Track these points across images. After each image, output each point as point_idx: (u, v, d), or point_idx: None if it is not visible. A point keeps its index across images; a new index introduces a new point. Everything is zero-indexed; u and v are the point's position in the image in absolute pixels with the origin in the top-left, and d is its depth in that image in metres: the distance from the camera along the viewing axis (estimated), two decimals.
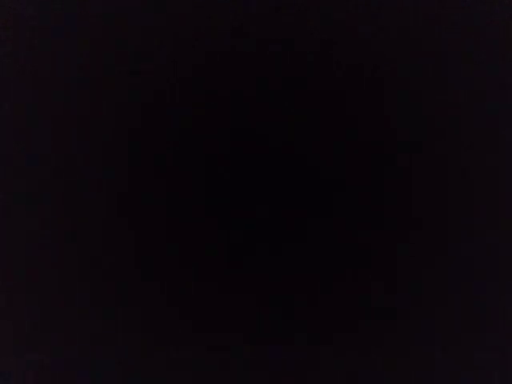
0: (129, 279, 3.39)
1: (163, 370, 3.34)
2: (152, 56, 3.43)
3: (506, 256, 3.35)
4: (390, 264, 3.36)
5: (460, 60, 3.42)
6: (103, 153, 3.42)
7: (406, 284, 3.36)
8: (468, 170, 3.39)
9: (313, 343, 3.35)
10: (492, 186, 3.39)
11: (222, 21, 3.43)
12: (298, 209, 3.39)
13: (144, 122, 3.43)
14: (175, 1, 3.39)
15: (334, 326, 3.36)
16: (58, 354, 3.36)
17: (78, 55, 3.43)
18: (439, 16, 3.41)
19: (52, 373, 3.34)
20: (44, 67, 3.42)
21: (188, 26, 3.43)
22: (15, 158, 3.42)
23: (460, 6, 3.39)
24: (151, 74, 3.42)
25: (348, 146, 3.40)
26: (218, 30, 3.42)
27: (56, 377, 3.34)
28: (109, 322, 3.37)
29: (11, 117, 3.41)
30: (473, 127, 3.40)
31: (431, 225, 3.38)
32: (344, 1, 3.38)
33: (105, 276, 3.39)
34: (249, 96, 3.41)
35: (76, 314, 3.38)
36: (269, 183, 3.40)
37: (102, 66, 3.43)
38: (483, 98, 3.41)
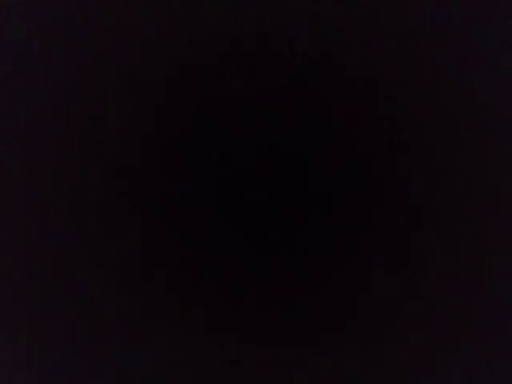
0: (129, 278, 3.39)
1: (163, 370, 3.34)
2: (155, 55, 3.43)
3: (506, 255, 3.35)
4: (389, 264, 3.36)
5: (460, 60, 3.42)
6: (103, 151, 3.42)
7: (405, 284, 3.36)
8: (468, 169, 3.39)
9: (311, 344, 3.35)
10: (492, 186, 3.39)
11: (221, 21, 3.43)
12: (296, 206, 3.39)
13: (144, 121, 3.43)
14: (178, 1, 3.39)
15: (333, 326, 3.36)
16: (58, 353, 3.36)
17: (77, 55, 3.43)
18: (443, 17, 3.41)
19: (52, 373, 3.34)
20: (42, 67, 3.42)
21: (189, 25, 3.43)
22: (15, 159, 3.42)
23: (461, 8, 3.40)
24: (152, 74, 3.42)
25: (347, 145, 3.40)
26: (218, 31, 3.42)
27: (56, 377, 3.34)
28: (109, 322, 3.37)
29: (12, 117, 3.41)
30: (473, 127, 3.40)
31: (431, 223, 3.38)
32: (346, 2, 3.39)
33: (105, 275, 3.39)
34: (248, 95, 3.41)
35: (76, 313, 3.38)
36: (269, 182, 3.40)
37: (102, 65, 3.43)
38: (483, 98, 3.41)
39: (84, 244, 3.39)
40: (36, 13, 3.42)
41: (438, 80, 3.41)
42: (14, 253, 3.38)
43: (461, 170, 3.39)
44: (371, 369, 3.33)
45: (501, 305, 3.34)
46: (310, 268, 3.37)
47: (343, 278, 3.37)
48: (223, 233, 3.39)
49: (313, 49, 3.42)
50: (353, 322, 3.35)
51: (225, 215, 3.40)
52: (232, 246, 3.38)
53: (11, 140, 3.41)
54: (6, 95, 3.41)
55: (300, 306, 3.37)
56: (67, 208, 3.40)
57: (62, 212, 3.40)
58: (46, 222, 3.40)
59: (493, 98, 3.40)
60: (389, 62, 3.40)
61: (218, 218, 3.39)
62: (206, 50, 3.42)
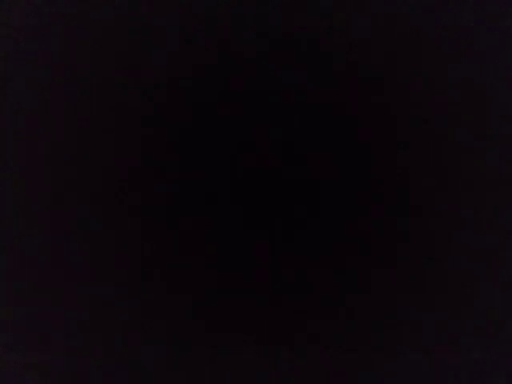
0: (130, 279, 3.38)
1: (164, 370, 3.34)
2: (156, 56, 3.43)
3: (506, 254, 3.35)
4: (389, 264, 3.36)
5: (460, 60, 3.42)
6: (103, 152, 3.42)
7: (405, 284, 3.36)
8: (468, 168, 3.39)
9: (312, 343, 3.35)
10: (492, 186, 3.39)
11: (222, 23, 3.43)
12: (297, 205, 3.39)
13: (146, 123, 3.43)
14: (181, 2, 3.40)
15: (333, 326, 3.36)
16: (57, 354, 3.36)
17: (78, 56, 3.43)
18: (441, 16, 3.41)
19: (52, 373, 3.34)
20: (43, 68, 3.42)
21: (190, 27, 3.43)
22: (15, 158, 3.42)
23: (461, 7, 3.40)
24: (153, 75, 3.42)
25: (347, 144, 3.40)
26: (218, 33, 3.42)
27: (56, 377, 3.34)
28: (109, 323, 3.37)
29: (14, 118, 3.41)
30: (472, 126, 3.40)
31: (431, 223, 3.38)
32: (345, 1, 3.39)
33: (106, 276, 3.38)
34: (248, 95, 3.41)
35: (76, 313, 3.38)
36: (270, 182, 3.40)
37: (103, 66, 3.43)
38: (483, 97, 3.41)
39: (85, 243, 3.39)
40: (36, 13, 3.41)
41: (437, 79, 3.41)
42: (13, 253, 3.38)
43: (461, 172, 3.39)
44: (371, 369, 3.33)
45: (501, 304, 3.34)
46: (309, 268, 3.37)
47: (343, 277, 3.37)
48: (222, 232, 3.39)
49: (312, 48, 3.42)
50: (352, 322, 3.35)
51: (223, 215, 3.40)
52: (231, 245, 3.38)
53: (11, 140, 3.40)
54: (5, 95, 3.41)
55: (299, 306, 3.37)
56: (67, 208, 3.40)
57: (61, 212, 3.40)
58: (45, 221, 3.40)
59: (493, 97, 3.41)
60: (389, 61, 3.41)
61: (216, 216, 3.39)
62: (205, 49, 3.42)
